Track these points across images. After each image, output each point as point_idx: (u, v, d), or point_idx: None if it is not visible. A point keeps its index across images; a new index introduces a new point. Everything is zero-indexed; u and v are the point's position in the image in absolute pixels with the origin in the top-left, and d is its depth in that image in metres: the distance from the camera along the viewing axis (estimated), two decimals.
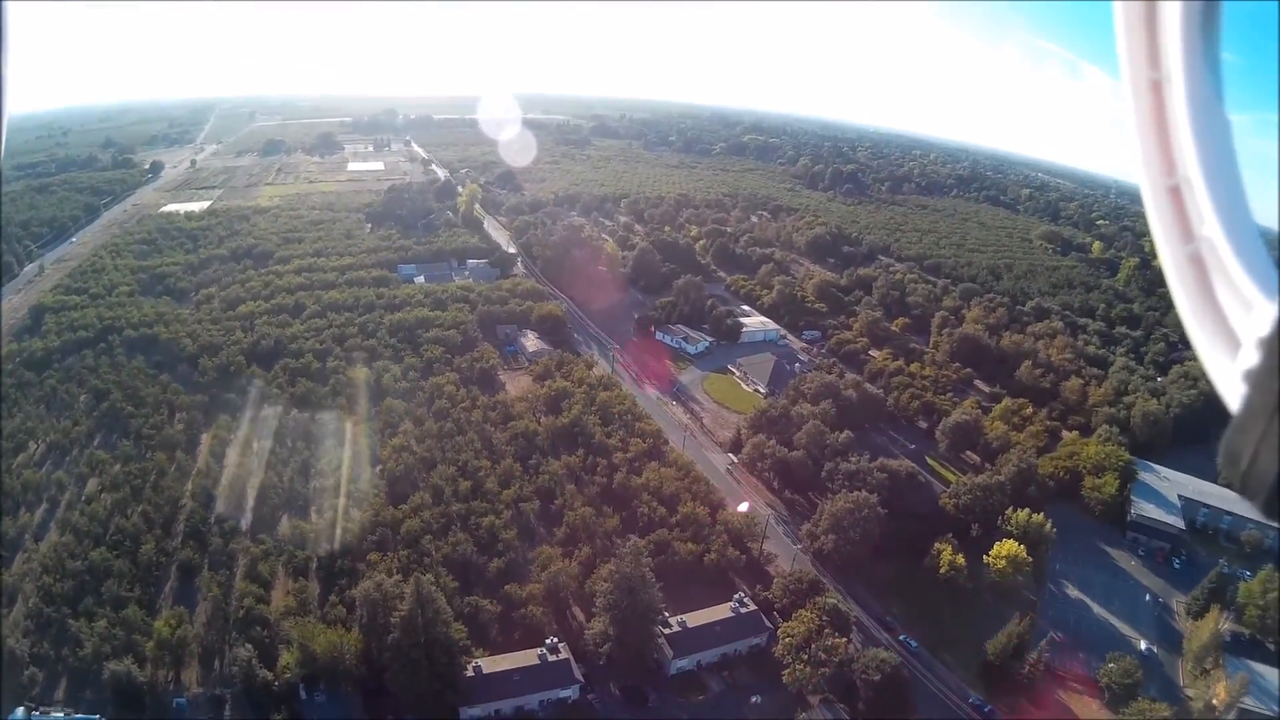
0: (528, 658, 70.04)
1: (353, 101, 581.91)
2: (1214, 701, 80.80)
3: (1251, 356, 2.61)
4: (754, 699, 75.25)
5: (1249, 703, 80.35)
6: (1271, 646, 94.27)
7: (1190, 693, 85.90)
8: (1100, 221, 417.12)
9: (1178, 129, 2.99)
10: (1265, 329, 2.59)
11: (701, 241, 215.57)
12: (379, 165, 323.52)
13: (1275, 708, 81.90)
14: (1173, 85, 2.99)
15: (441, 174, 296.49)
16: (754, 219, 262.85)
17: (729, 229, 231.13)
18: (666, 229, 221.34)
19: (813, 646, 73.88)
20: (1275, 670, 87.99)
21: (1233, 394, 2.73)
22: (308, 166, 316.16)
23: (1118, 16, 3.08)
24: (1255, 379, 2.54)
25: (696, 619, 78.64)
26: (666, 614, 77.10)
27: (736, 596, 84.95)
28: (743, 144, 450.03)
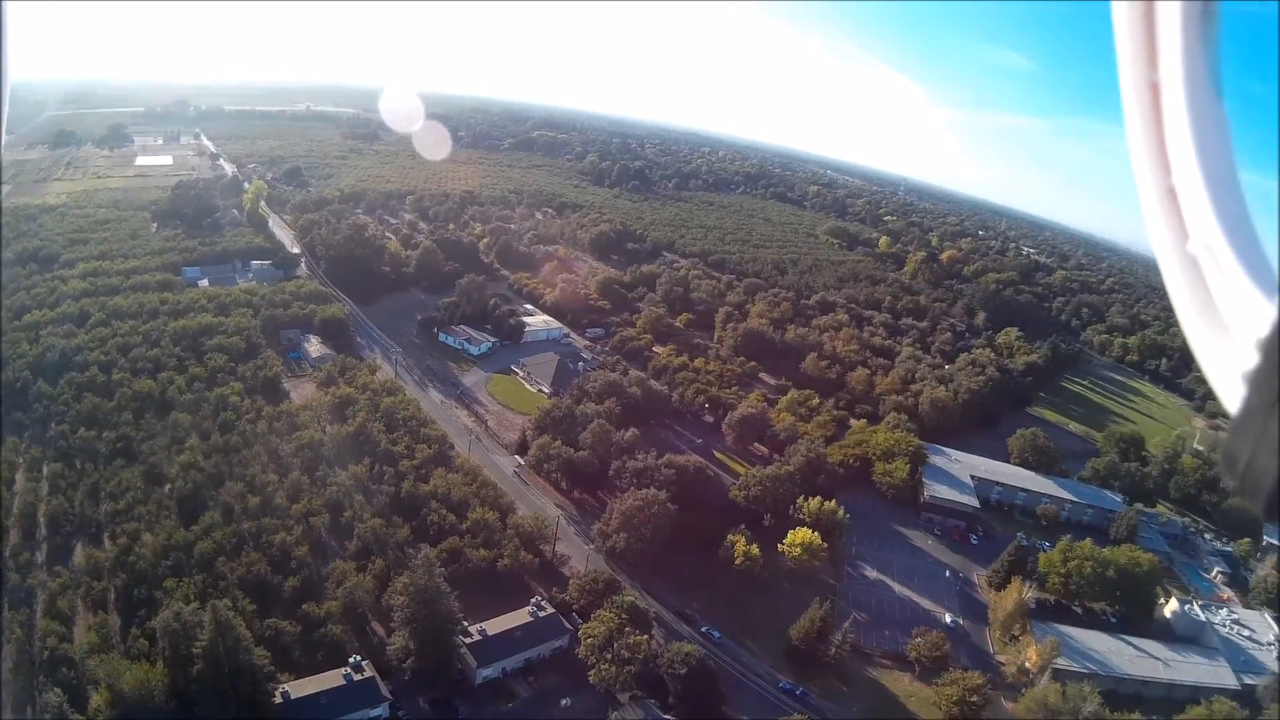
0: (333, 679, 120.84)
1: (150, 89, 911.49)
2: (1027, 665, 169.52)
3: (1250, 358, 4.84)
4: (564, 702, 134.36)
5: (1062, 663, 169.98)
6: (1078, 609, 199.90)
7: (1002, 659, 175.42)
8: (888, 217, 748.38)
9: (1176, 129, 5.57)
10: (1264, 330, 4.83)
11: (486, 239, 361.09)
12: (168, 159, 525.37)
13: (1089, 665, 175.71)
14: (1171, 85, 5.56)
15: (229, 169, 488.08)
16: (539, 216, 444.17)
17: (513, 226, 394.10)
18: (451, 227, 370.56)
19: (615, 645, 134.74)
20: (1082, 631, 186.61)
21: (1231, 396, 4.99)
22: (97, 160, 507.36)
23: (1116, 17, 5.78)
24: (1254, 380, 4.75)
25: (496, 626, 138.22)
26: (466, 623, 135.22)
27: (534, 600, 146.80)
28: (532, 140, 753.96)
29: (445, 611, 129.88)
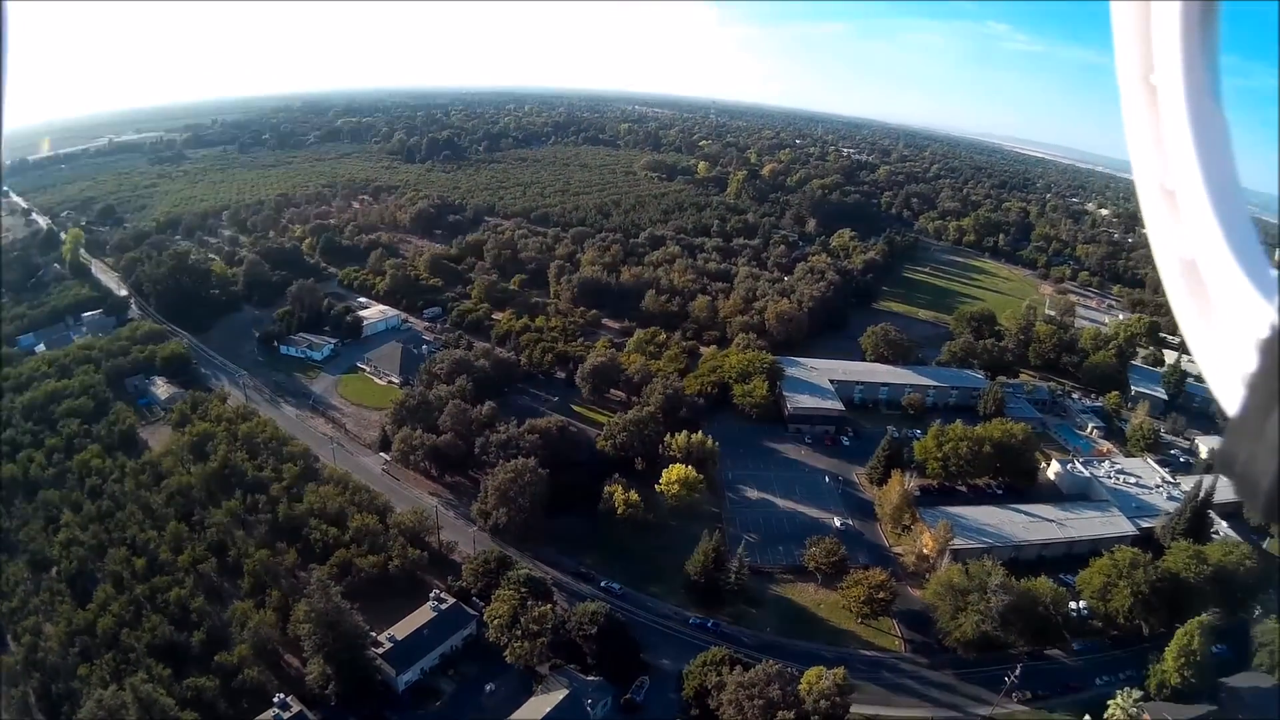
0: None
1: None
2: (924, 552, 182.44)
3: (1249, 359, 5.18)
4: (488, 688, 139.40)
5: (958, 543, 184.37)
6: (963, 489, 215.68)
7: (898, 550, 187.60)
8: (703, 142, 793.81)
9: (1175, 130, 5.97)
10: (1263, 331, 5.16)
11: (308, 240, 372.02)
12: None
13: (985, 540, 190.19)
14: (1170, 86, 5.96)
15: (43, 222, 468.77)
16: (356, 205, 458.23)
17: (333, 221, 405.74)
18: (271, 234, 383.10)
19: (522, 621, 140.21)
20: (972, 509, 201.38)
21: (1230, 397, 5.33)
22: None
23: (1115, 16, 6.19)
24: (1253, 381, 5.09)
25: (404, 629, 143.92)
26: (374, 634, 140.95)
27: (433, 594, 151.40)
28: (337, 129, 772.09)
29: (351, 628, 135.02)
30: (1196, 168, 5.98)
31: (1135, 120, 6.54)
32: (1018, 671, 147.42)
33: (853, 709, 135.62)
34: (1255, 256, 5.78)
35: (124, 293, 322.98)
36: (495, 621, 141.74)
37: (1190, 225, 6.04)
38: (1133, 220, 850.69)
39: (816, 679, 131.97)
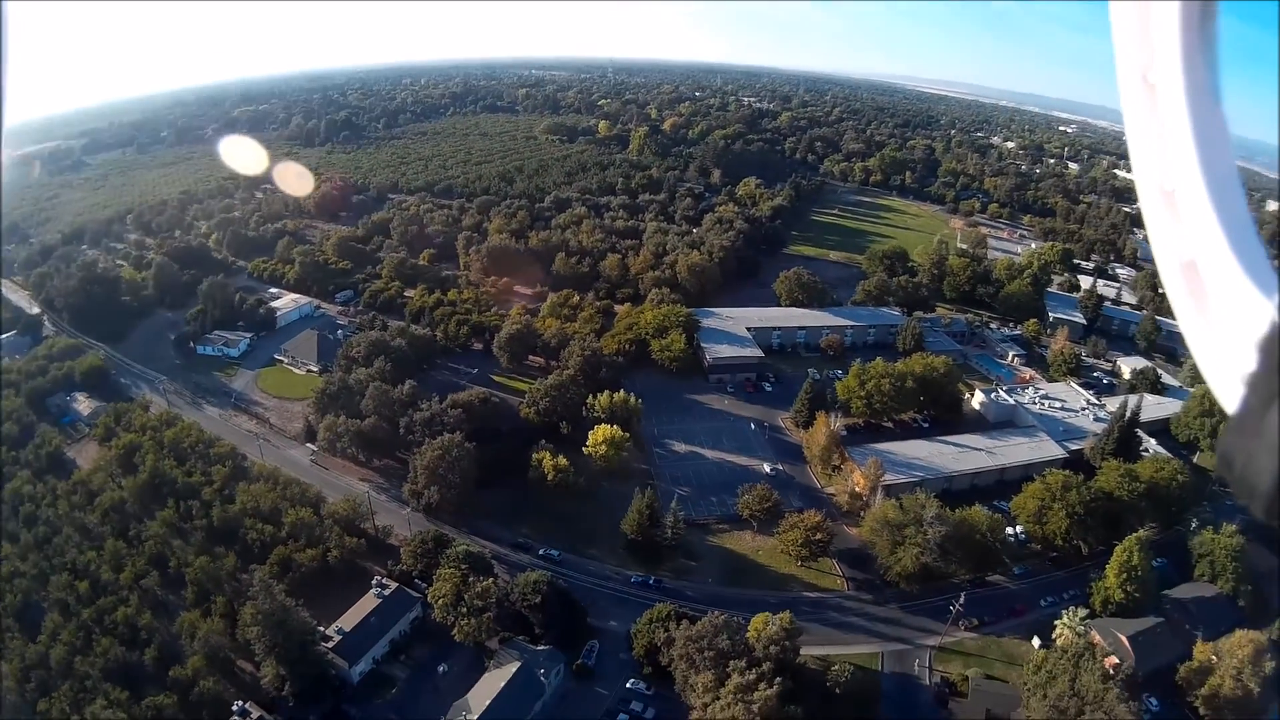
0: None
1: None
2: (856, 489, 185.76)
3: (1249, 358, 5.24)
4: (441, 669, 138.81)
5: (889, 478, 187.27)
6: (889, 425, 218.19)
7: (831, 490, 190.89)
8: (602, 101, 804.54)
9: (1175, 130, 5.99)
10: (1263, 330, 5.23)
11: (214, 235, 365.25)
12: None
13: (916, 473, 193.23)
14: (1170, 86, 6.00)
15: None
16: (259, 195, 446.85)
17: (237, 214, 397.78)
18: (178, 233, 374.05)
19: (466, 598, 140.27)
20: (900, 444, 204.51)
21: (1229, 396, 5.37)
22: None
23: (1114, 17, 6.19)
24: (1252, 380, 5.15)
25: (351, 619, 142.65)
26: (322, 628, 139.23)
27: (375, 581, 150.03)
28: (234, 120, 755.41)
29: (299, 626, 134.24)
30: (1197, 167, 5.97)
31: (1135, 119, 6.46)
32: (962, 600, 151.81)
33: (803, 651, 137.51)
34: (1255, 255, 5.81)
35: (36, 310, 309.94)
36: (440, 601, 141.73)
37: (1190, 224, 6.02)
38: (1039, 151, 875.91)
39: (763, 625, 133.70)
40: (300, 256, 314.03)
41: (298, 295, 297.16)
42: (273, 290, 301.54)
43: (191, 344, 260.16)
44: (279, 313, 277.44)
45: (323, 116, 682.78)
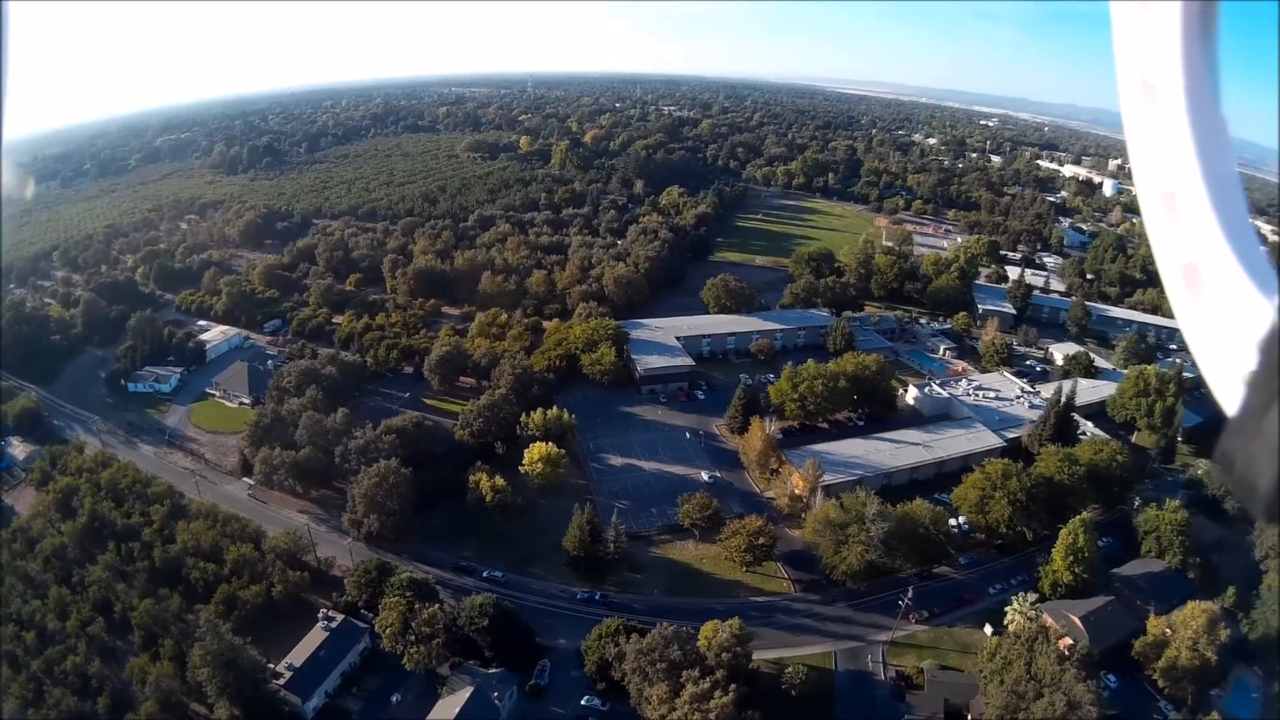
0: None
1: None
2: (796, 491, 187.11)
3: (1249, 359, 5.26)
4: (394, 699, 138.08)
5: (828, 478, 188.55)
6: (825, 425, 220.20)
7: (770, 494, 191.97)
8: (523, 117, 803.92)
9: (1175, 131, 6.00)
10: (1263, 331, 5.25)
11: (141, 269, 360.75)
12: None
13: (854, 472, 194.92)
14: (1170, 87, 5.99)
15: None
16: (185, 226, 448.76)
17: (163, 245, 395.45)
18: (104, 268, 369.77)
19: (413, 625, 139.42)
20: (836, 444, 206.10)
21: (1230, 397, 5.38)
22: None
23: (1114, 17, 6.20)
24: (1253, 381, 5.18)
25: (300, 654, 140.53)
26: (272, 665, 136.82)
27: (321, 613, 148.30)
28: (157, 150, 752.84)
29: (249, 664, 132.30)
30: (1197, 168, 5.98)
31: (1135, 121, 6.38)
32: (910, 594, 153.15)
33: (755, 655, 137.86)
34: (1255, 256, 5.81)
35: None
36: (388, 630, 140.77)
37: (1190, 226, 6.01)
38: (961, 146, 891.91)
39: (714, 633, 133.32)
40: (227, 287, 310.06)
41: (226, 327, 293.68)
42: (201, 323, 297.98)
43: (123, 381, 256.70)
44: (208, 345, 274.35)
45: (245, 143, 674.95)
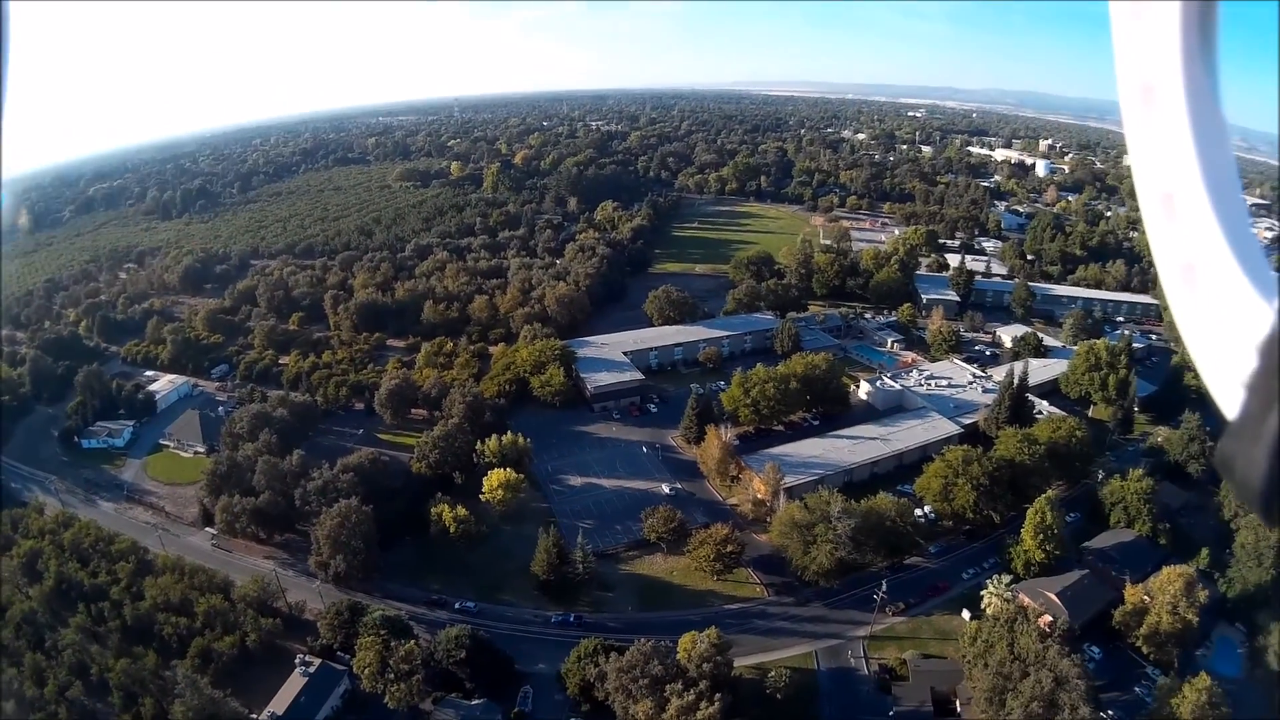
0: None
1: None
2: (759, 496, 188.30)
3: (1249, 361, 5.34)
4: None
5: (789, 480, 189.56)
6: (780, 428, 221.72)
7: (733, 501, 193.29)
8: (452, 142, 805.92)
9: (1175, 132, 6.03)
10: (1263, 333, 5.32)
11: (84, 322, 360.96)
12: None
13: (814, 472, 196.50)
14: (1170, 88, 6.02)
15: None
16: (124, 275, 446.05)
17: (104, 297, 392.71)
18: (47, 324, 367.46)
19: (391, 663, 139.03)
20: (793, 445, 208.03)
21: (1229, 400, 5.45)
22: None
23: (1114, 17, 6.20)
24: (1252, 383, 5.26)
25: (281, 702, 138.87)
26: (254, 716, 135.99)
27: (297, 659, 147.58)
28: (91, 199, 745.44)
29: (230, 717, 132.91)
30: (1196, 169, 6.01)
31: (1134, 121, 6.39)
32: (884, 587, 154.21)
33: (736, 662, 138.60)
34: (1255, 257, 5.85)
35: None
36: (366, 670, 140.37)
37: (1190, 227, 6.04)
38: (891, 139, 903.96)
39: (692, 644, 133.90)
40: (171, 335, 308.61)
41: (174, 376, 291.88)
42: (148, 373, 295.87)
43: (76, 439, 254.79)
44: (158, 395, 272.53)
45: (177, 187, 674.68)
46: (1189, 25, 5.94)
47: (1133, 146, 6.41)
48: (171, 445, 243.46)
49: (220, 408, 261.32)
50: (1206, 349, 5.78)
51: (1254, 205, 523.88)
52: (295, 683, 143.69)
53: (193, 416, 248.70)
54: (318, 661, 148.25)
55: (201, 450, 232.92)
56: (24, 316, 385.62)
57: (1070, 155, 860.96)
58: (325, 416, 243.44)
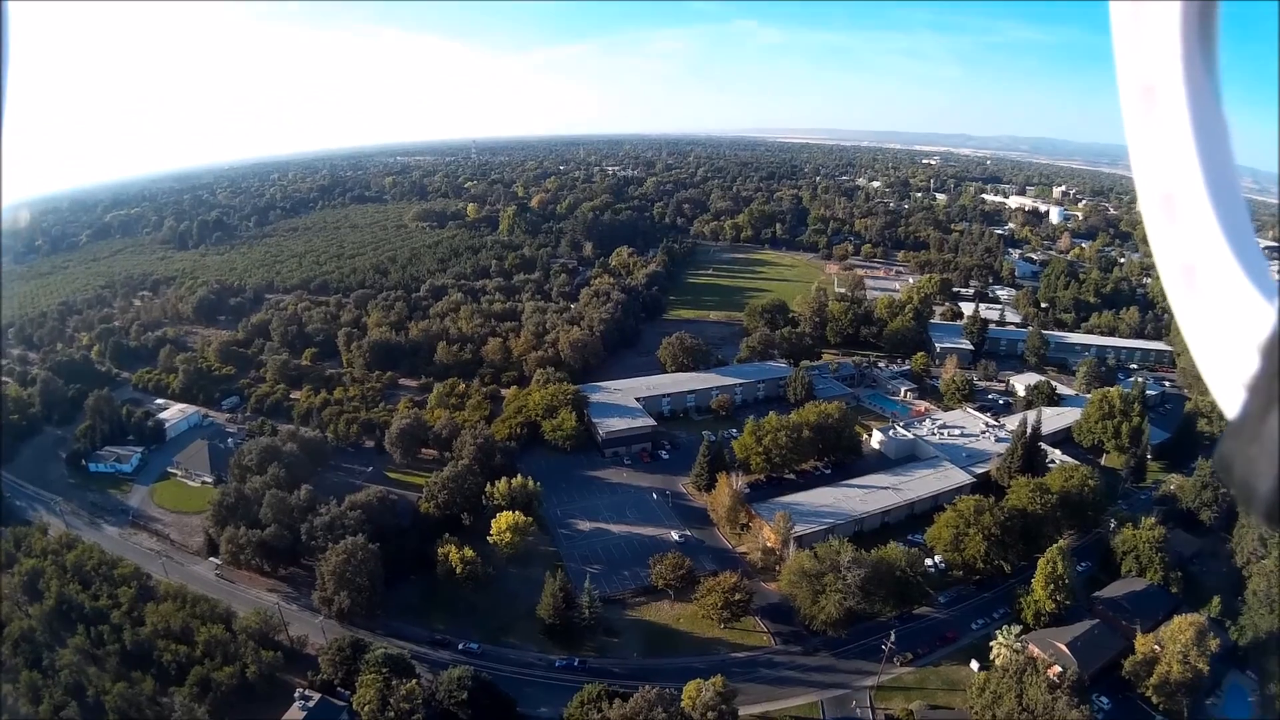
0: None
1: None
2: (768, 545, 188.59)
3: (1250, 362, 5.37)
4: None
5: (799, 529, 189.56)
6: (791, 476, 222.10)
7: (742, 549, 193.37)
8: (469, 183, 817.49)
9: (1175, 133, 6.07)
10: (1264, 334, 5.35)
11: (96, 346, 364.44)
12: None
13: (825, 520, 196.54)
14: (1170, 88, 6.06)
15: None
16: (138, 303, 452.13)
17: (117, 323, 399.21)
18: (59, 346, 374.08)
19: (392, 702, 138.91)
20: (805, 494, 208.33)
21: (1230, 401, 5.48)
22: None
23: (1114, 17, 6.24)
24: (1253, 384, 5.27)
25: None
26: None
27: (297, 694, 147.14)
28: (108, 225, 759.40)
29: None
30: (1197, 170, 6.09)
31: (1134, 122, 6.54)
32: (892, 637, 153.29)
33: (741, 711, 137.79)
34: (1256, 258, 5.92)
35: None
36: (366, 708, 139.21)
37: (1190, 228, 6.15)
38: (905, 187, 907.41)
39: (697, 693, 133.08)
40: (183, 364, 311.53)
41: (184, 405, 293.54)
42: (159, 401, 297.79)
43: (83, 461, 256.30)
44: (167, 424, 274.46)
45: (194, 218, 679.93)
46: (1189, 25, 6.07)
47: (1133, 147, 6.56)
48: (179, 474, 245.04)
49: (229, 439, 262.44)
50: (1207, 350, 5.91)
51: (1266, 249, 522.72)
52: (294, 717, 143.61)
53: (202, 446, 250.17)
54: (317, 696, 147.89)
55: (209, 480, 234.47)
56: (37, 338, 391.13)
57: (1084, 201, 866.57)
58: (335, 453, 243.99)
